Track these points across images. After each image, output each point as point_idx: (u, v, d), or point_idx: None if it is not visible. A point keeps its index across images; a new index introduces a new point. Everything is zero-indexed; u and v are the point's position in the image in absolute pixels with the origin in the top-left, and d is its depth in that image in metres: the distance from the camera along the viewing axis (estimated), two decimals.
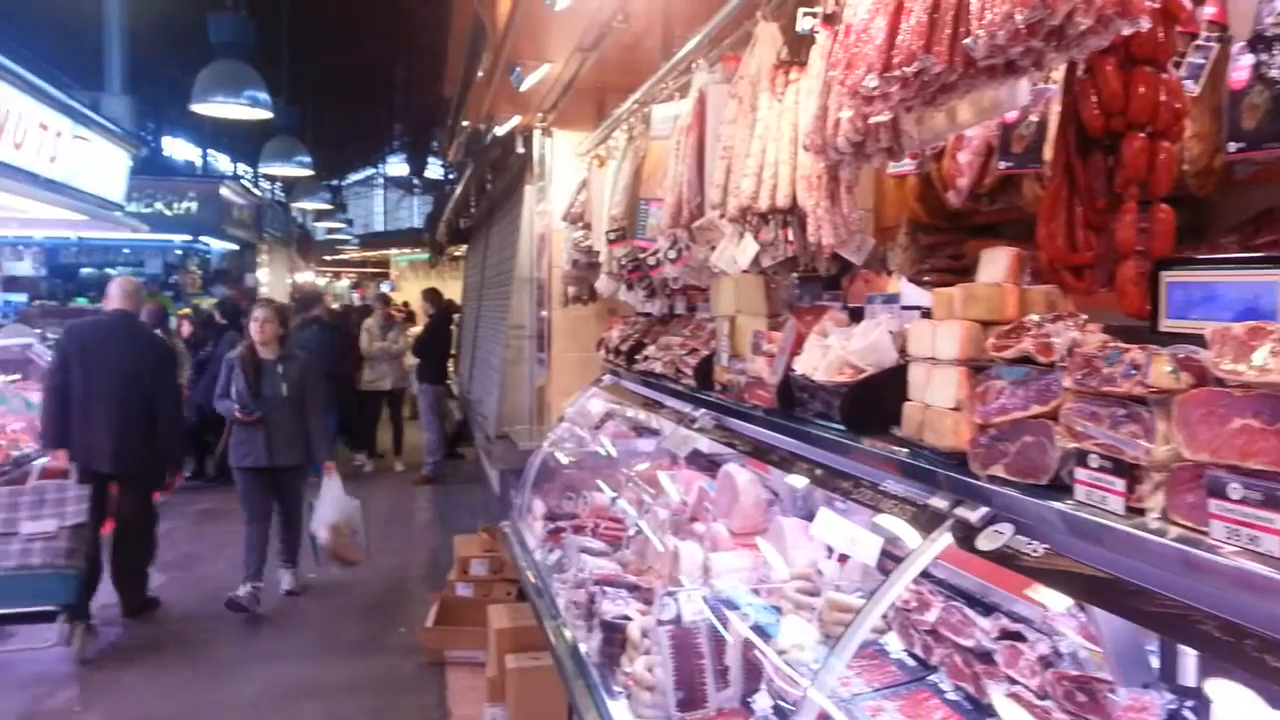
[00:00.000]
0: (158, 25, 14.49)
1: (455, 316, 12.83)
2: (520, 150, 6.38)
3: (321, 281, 30.51)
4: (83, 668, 5.10)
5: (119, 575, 5.83)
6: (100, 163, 9.03)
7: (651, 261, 3.38)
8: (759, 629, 2.52)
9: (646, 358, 3.91)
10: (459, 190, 11.29)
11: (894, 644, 2.39)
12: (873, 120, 1.85)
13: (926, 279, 2.78)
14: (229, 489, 9.79)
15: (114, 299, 5.90)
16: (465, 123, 7.55)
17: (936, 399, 1.84)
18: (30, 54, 8.82)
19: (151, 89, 18.42)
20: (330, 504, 5.92)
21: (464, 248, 15.18)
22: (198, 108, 9.54)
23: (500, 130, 6.45)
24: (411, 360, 11.10)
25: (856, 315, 2.48)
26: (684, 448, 3.38)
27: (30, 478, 5.55)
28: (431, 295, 11.27)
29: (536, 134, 5.95)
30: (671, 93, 3.50)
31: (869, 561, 2.30)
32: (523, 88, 4.84)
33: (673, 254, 3.09)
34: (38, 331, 8.99)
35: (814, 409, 2.34)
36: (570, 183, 5.37)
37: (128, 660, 5.28)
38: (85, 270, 15.54)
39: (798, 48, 2.44)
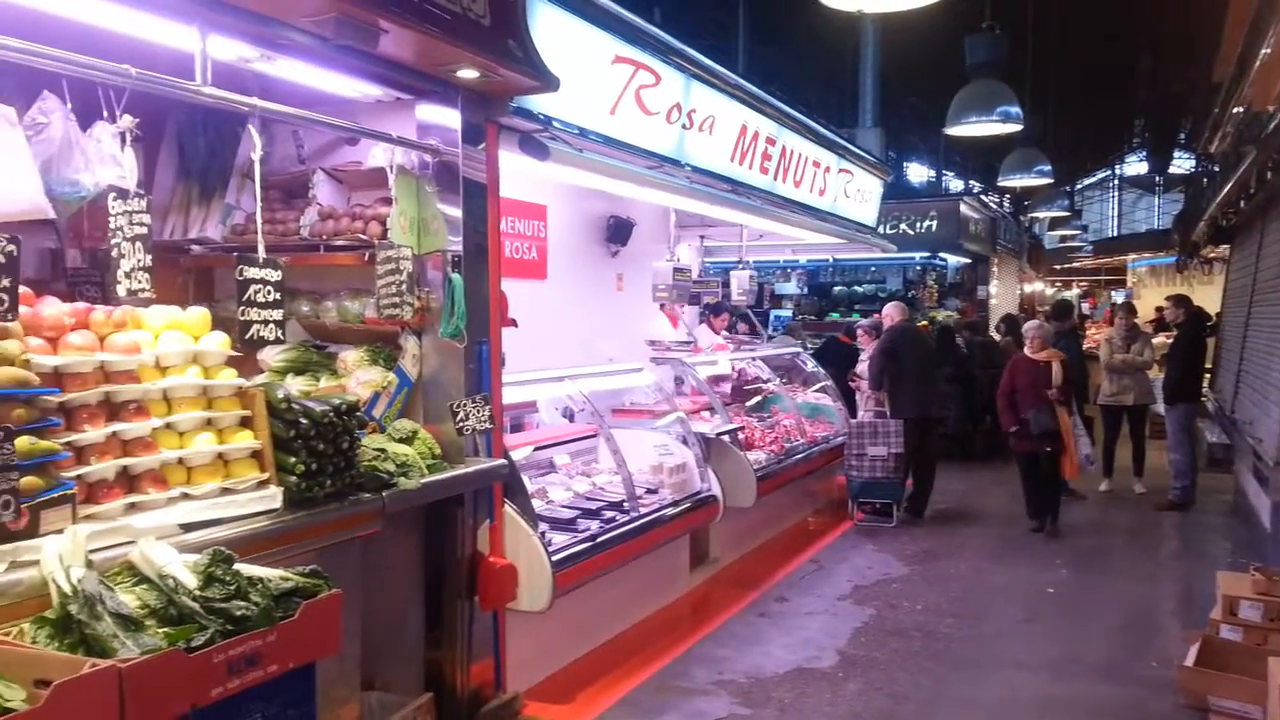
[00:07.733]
0: (900, 62, 15.83)
1: (1207, 325, 11.39)
2: None
3: (1049, 291, 29.77)
4: (904, 544, 7.97)
5: (916, 488, 8.72)
6: (858, 191, 10.15)
7: None
8: None
9: None
10: (1229, 184, 9.96)
11: None
12: None
13: None
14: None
15: (901, 312, 9.00)
16: (1238, 109, 6.65)
17: None
18: (801, 102, 10.35)
19: (894, 120, 20.15)
20: None
21: (1223, 249, 13.37)
22: (951, 130, 10.11)
23: None
24: (1155, 374, 10.20)
25: None
26: None
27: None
28: (1179, 302, 10.19)
29: None
30: None
31: None
32: None
33: None
34: (799, 342, 10.49)
35: None
36: None
37: (926, 534, 8.30)
38: (837, 288, 17.47)
39: None
